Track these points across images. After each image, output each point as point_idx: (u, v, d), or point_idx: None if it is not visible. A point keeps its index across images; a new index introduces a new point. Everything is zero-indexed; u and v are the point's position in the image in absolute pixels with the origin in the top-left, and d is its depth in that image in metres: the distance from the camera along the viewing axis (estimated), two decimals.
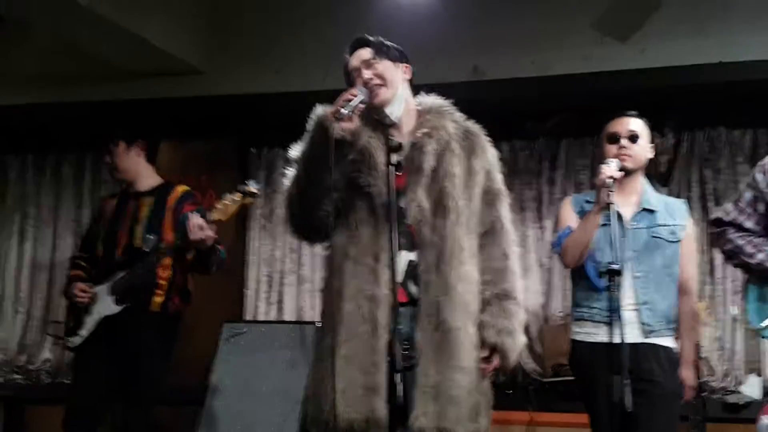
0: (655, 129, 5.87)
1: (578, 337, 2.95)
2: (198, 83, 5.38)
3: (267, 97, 5.35)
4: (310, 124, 2.24)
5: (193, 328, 4.58)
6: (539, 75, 4.94)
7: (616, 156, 2.88)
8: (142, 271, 3.39)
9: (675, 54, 4.75)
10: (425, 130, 2.31)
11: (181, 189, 3.65)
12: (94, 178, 6.42)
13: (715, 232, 2.98)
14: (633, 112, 3.04)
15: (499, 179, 2.42)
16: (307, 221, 2.32)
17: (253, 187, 3.30)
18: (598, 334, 2.84)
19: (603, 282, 2.77)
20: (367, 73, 2.30)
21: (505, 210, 2.40)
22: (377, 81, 2.29)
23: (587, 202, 2.99)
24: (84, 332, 3.47)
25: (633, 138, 2.95)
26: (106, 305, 3.42)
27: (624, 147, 2.93)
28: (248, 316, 6.11)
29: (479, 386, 2.25)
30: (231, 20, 5.33)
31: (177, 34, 5.12)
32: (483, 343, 2.26)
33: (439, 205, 2.25)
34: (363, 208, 2.25)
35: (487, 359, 2.27)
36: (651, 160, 3.08)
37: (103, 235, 3.58)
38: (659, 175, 5.78)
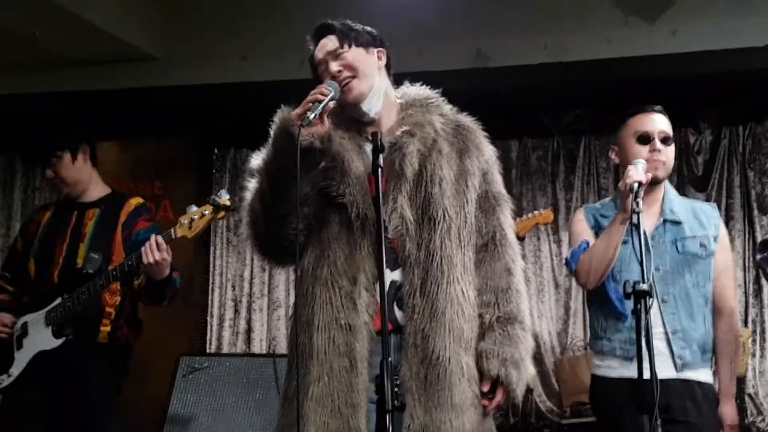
0: (690, 124, 5.98)
1: (599, 372, 2.93)
2: (151, 71, 5.38)
3: (232, 88, 5.34)
4: (272, 129, 2.23)
5: (145, 362, 4.54)
6: (553, 61, 4.96)
7: (648, 160, 2.87)
8: (86, 297, 3.36)
9: (712, 36, 4.78)
10: (406, 128, 2.28)
11: (134, 201, 3.61)
12: (27, 185, 6.40)
13: (765, 258, 3.00)
14: (660, 107, 3.01)
15: (498, 181, 2.37)
16: (274, 241, 2.30)
17: (225, 198, 3.27)
18: (622, 368, 2.83)
19: (628, 306, 2.77)
20: (334, 66, 2.27)
21: (506, 218, 2.35)
22: (348, 73, 2.26)
23: (602, 215, 2.99)
24: (14, 371, 3.41)
25: (666, 140, 2.92)
26: (41, 338, 3.36)
27: (658, 151, 2.89)
28: (211, 348, 6.09)
29: (479, 428, 2.20)
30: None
31: (126, 16, 5.12)
32: (483, 376, 2.21)
33: (425, 215, 2.22)
34: (336, 222, 2.23)
35: (488, 394, 2.23)
36: (681, 160, 3.09)
37: (36, 254, 3.54)
38: (696, 178, 5.83)
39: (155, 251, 3.19)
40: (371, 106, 2.30)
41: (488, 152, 2.37)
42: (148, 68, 5.35)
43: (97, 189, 3.64)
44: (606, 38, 4.89)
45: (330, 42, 2.31)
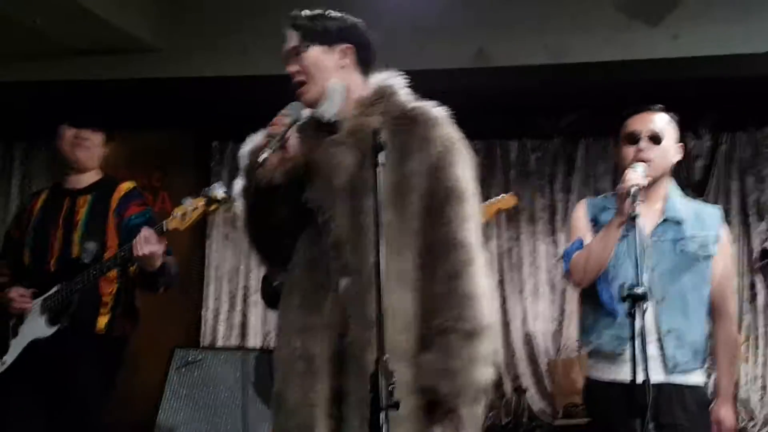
0: (690, 129, 5.98)
1: (592, 374, 2.92)
2: (151, 63, 5.37)
3: (232, 81, 5.33)
4: (241, 166, 2.27)
5: (139, 354, 4.53)
6: (554, 62, 4.96)
7: (634, 160, 2.85)
8: (82, 286, 3.36)
9: (713, 41, 4.78)
10: (342, 134, 2.19)
11: (125, 186, 3.61)
12: (25, 172, 6.39)
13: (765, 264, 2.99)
14: (657, 106, 2.97)
15: (453, 175, 2.15)
16: (273, 256, 2.37)
17: (219, 192, 3.26)
18: (614, 371, 2.81)
19: (621, 308, 2.76)
20: (292, 67, 2.23)
21: (456, 215, 2.13)
22: (301, 77, 2.21)
23: (603, 209, 2.98)
24: (7, 359, 3.41)
25: (654, 138, 2.88)
26: (36, 326, 3.35)
27: (643, 149, 2.85)
28: (205, 342, 6.09)
29: None
30: None
31: (128, 6, 5.11)
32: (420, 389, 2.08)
33: (358, 223, 2.12)
34: (311, 225, 2.21)
35: (427, 409, 2.09)
36: (681, 163, 3.06)
37: (31, 242, 3.54)
38: (693, 183, 5.83)
39: (145, 245, 3.20)
40: (325, 110, 2.21)
41: (439, 144, 2.15)
42: (149, 59, 5.34)
43: (90, 175, 3.64)
44: (607, 41, 4.88)
45: (293, 38, 2.25)
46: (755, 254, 5.64)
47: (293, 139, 2.17)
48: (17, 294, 3.42)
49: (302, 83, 2.21)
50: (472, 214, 2.15)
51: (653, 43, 4.84)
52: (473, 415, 2.09)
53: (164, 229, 3.23)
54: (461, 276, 2.09)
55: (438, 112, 2.20)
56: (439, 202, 2.12)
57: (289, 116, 2.15)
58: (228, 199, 3.22)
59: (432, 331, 2.09)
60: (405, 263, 2.10)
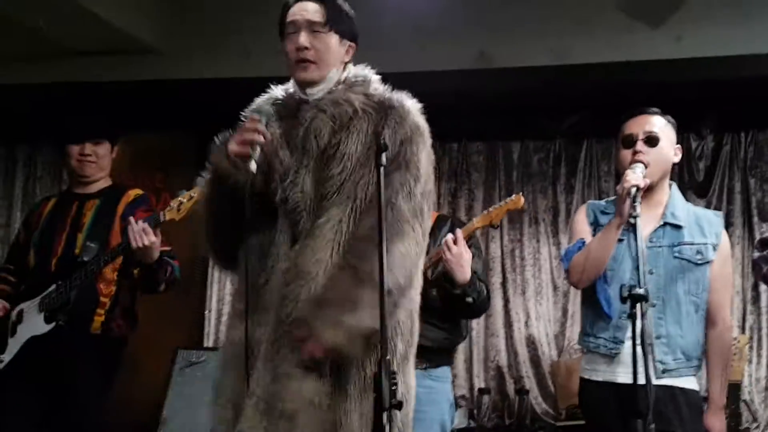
0: (692, 130, 5.98)
1: (585, 375, 2.92)
2: (154, 65, 5.38)
3: (234, 83, 5.33)
4: (209, 172, 2.25)
5: (142, 354, 4.54)
6: (556, 63, 4.96)
7: (632, 162, 2.85)
8: (80, 282, 3.38)
9: (716, 43, 4.78)
10: (318, 104, 2.22)
11: (133, 193, 3.64)
12: (28, 175, 6.40)
13: (764, 256, 2.96)
14: (653, 109, 2.97)
15: (415, 153, 2.18)
16: (227, 248, 2.31)
17: None
18: (606, 372, 2.82)
19: (616, 310, 2.77)
20: (304, 39, 2.21)
21: (405, 183, 2.15)
22: (311, 56, 2.21)
23: (603, 212, 2.97)
24: (6, 357, 3.43)
25: (651, 140, 2.88)
26: (33, 324, 3.37)
27: (639, 152, 2.85)
28: (208, 342, 6.09)
29: (333, 399, 2.06)
30: None
31: (130, 8, 5.12)
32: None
33: (321, 191, 2.15)
34: (255, 211, 2.19)
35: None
36: (683, 165, 3.05)
37: (37, 243, 3.56)
38: (696, 184, 5.82)
39: (142, 237, 3.23)
40: (315, 92, 2.26)
41: (409, 125, 2.21)
42: (150, 61, 5.36)
43: (100, 181, 3.69)
44: (609, 42, 4.88)
45: (316, 11, 2.24)
46: (755, 243, 5.63)
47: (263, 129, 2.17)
48: None
49: (309, 61, 2.22)
50: (413, 188, 2.16)
51: (655, 45, 4.84)
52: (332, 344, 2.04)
53: (161, 219, 3.26)
54: (376, 231, 1.99)
55: (412, 102, 2.27)
56: (394, 167, 2.13)
57: (260, 119, 2.19)
58: None
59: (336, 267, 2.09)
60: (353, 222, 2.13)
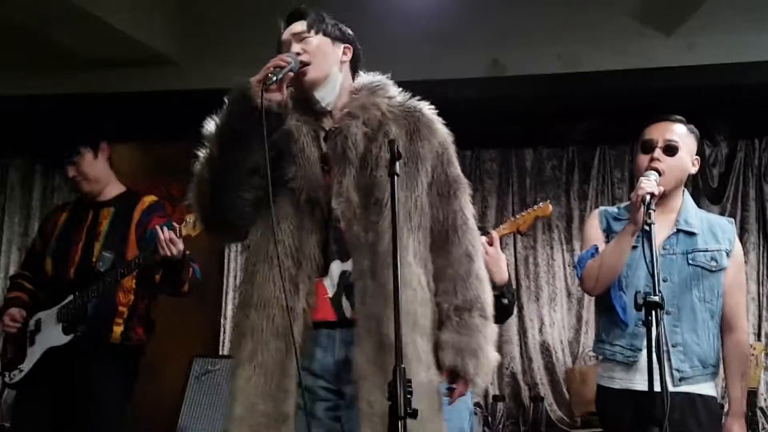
0: (706, 137, 5.97)
1: (603, 382, 2.90)
2: (171, 75, 5.42)
3: None
4: (229, 94, 2.17)
5: (158, 363, 4.57)
6: (568, 71, 4.96)
7: (647, 169, 2.83)
8: (97, 294, 3.39)
9: (729, 49, 4.77)
10: (347, 111, 2.24)
11: (148, 199, 3.64)
12: (46, 184, 6.45)
13: None
14: (676, 117, 2.94)
15: (455, 164, 2.29)
16: (221, 211, 2.25)
17: None
18: (624, 380, 2.80)
19: (632, 317, 2.76)
20: (296, 47, 2.24)
21: (466, 202, 2.27)
22: (305, 57, 2.22)
23: (616, 218, 2.95)
24: (25, 366, 3.45)
25: (670, 149, 2.84)
26: (52, 335, 3.39)
27: (656, 159, 2.81)
28: (224, 351, 6.11)
29: (436, 416, 2.14)
30: (210, 3, 5.37)
31: (147, 19, 5.15)
32: (440, 367, 2.15)
33: (371, 197, 2.15)
34: (286, 200, 2.17)
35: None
36: (696, 173, 3.02)
37: (53, 252, 3.57)
38: (710, 191, 5.81)
39: (170, 246, 3.23)
40: (324, 96, 2.26)
41: (441, 135, 2.29)
42: (168, 72, 5.39)
43: (113, 188, 3.66)
44: (622, 49, 4.88)
45: (299, 26, 2.30)
46: None
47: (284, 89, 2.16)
48: (9, 318, 3.48)
49: (305, 63, 2.23)
50: (470, 203, 2.29)
51: (668, 52, 4.84)
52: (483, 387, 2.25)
53: (179, 234, 3.27)
54: (474, 260, 2.23)
55: (431, 109, 2.32)
56: (449, 188, 2.25)
57: (291, 61, 2.16)
58: None
59: (452, 309, 2.19)
60: (416, 241, 2.18)
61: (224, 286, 6.25)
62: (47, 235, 3.65)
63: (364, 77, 2.36)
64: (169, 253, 3.23)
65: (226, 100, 2.18)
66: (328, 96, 2.27)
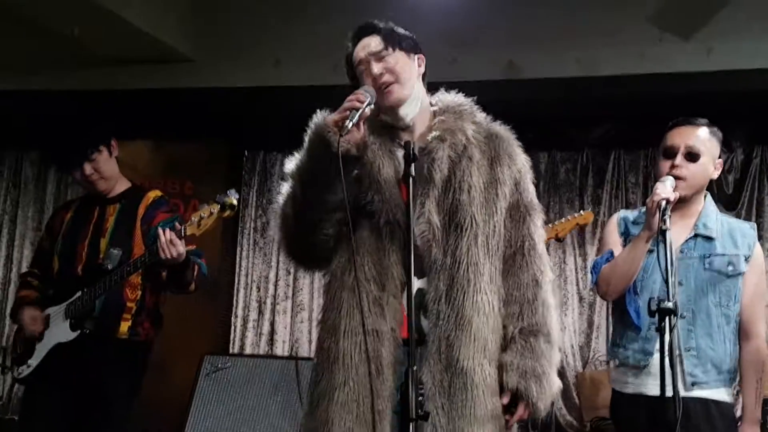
0: (722, 143, 5.91)
1: (617, 387, 2.91)
2: (185, 73, 5.41)
3: (265, 92, 5.37)
4: (308, 135, 2.18)
5: (168, 361, 4.58)
6: (585, 75, 4.93)
7: (669, 176, 2.81)
8: (104, 291, 3.39)
9: (746, 55, 4.74)
10: (437, 134, 2.26)
11: (152, 194, 3.65)
12: (60, 180, 6.48)
13: None
14: (699, 120, 2.89)
15: (531, 191, 2.35)
16: (305, 246, 2.31)
17: (234, 198, 3.31)
18: (636, 384, 2.80)
19: (645, 321, 2.74)
20: (377, 67, 2.24)
21: (536, 227, 2.33)
22: (389, 77, 2.24)
23: (634, 222, 2.94)
24: (33, 362, 3.46)
25: (691, 156, 2.81)
26: (60, 331, 3.40)
27: (678, 166, 2.79)
28: (234, 349, 6.12)
29: None
30: (226, 0, 5.37)
31: (163, 17, 5.16)
32: (503, 389, 2.19)
33: (452, 221, 2.20)
34: (366, 227, 2.21)
35: (509, 408, 2.21)
36: (712, 179, 2.99)
37: (60, 249, 3.58)
38: (725, 197, 5.77)
39: (171, 248, 3.23)
40: (408, 112, 2.28)
41: (521, 161, 2.34)
42: (183, 70, 5.39)
43: (119, 184, 3.67)
44: (639, 54, 4.85)
45: (374, 42, 2.28)
46: None
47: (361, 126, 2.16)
48: (29, 318, 3.49)
49: (389, 83, 2.24)
50: (541, 228, 2.35)
51: (685, 57, 4.80)
52: (545, 414, 2.25)
53: (183, 234, 3.27)
54: (542, 285, 2.27)
55: (511, 134, 2.38)
56: (521, 213, 2.30)
57: (368, 97, 2.15)
58: (236, 209, 3.31)
59: (518, 332, 2.22)
60: (493, 266, 2.24)
61: (236, 284, 6.25)
62: (54, 233, 3.66)
63: (447, 96, 2.39)
64: (169, 256, 3.23)
65: (306, 140, 2.20)
66: (411, 111, 2.29)
